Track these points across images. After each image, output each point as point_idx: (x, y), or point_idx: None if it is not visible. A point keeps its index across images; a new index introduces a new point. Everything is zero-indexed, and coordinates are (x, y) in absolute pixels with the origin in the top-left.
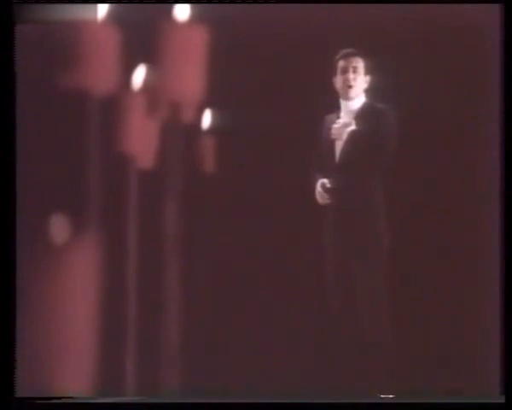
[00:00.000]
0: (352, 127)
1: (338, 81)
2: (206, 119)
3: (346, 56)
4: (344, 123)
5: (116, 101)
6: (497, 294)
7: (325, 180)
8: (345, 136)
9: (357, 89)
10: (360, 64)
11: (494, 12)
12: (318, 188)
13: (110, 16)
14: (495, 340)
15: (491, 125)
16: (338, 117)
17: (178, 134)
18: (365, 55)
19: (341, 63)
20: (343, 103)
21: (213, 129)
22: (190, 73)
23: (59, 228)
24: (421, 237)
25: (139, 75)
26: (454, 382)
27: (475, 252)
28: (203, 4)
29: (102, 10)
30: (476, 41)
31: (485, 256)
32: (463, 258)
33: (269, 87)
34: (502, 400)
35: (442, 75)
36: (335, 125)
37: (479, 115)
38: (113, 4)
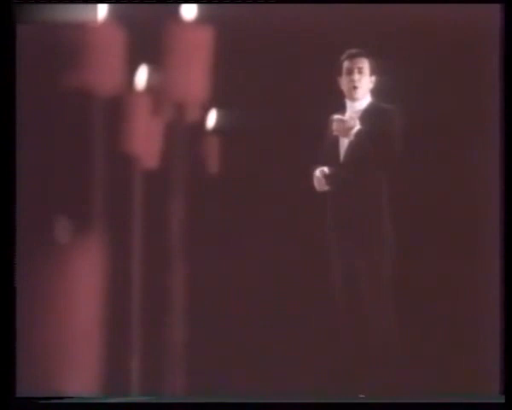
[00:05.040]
0: (358, 128)
1: (343, 82)
2: (211, 119)
3: (351, 57)
4: (349, 123)
5: (117, 101)
6: (497, 294)
7: (324, 168)
8: (350, 136)
9: (362, 89)
10: (365, 65)
11: (494, 12)
12: (317, 173)
13: (110, 16)
14: (495, 340)
15: (493, 125)
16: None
17: (182, 134)
18: (370, 55)
19: (346, 64)
20: (348, 104)
21: (218, 129)
22: (193, 74)
23: (60, 228)
24: (424, 237)
25: (140, 75)
26: (454, 382)
27: (476, 252)
28: (206, 4)
29: (103, 10)
30: (479, 41)
31: (485, 256)
32: (464, 258)
33: (274, 88)
34: (502, 400)
35: (444, 75)
36: (341, 126)
37: (480, 115)
38: (114, 4)
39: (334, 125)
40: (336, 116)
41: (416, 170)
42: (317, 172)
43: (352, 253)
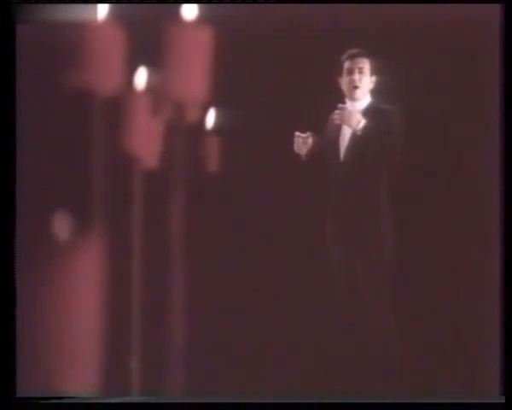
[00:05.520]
0: (360, 118)
1: (343, 82)
2: (211, 119)
3: (352, 57)
4: (353, 112)
5: (117, 101)
6: (497, 294)
7: (308, 133)
8: (350, 136)
9: (362, 89)
10: (366, 65)
11: (494, 12)
12: (298, 134)
13: (110, 16)
14: (495, 340)
15: (493, 125)
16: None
17: (182, 134)
18: (371, 55)
19: (347, 64)
20: (349, 104)
21: (218, 129)
22: (193, 74)
23: (60, 228)
24: (423, 237)
25: (140, 75)
26: (454, 382)
27: (476, 252)
28: (206, 4)
29: (103, 10)
30: (479, 41)
31: (485, 256)
32: (464, 258)
33: (274, 87)
34: (502, 400)
35: (445, 75)
36: (341, 126)
37: (480, 115)
38: (114, 4)
39: (337, 114)
40: (340, 105)
41: (416, 170)
42: (296, 134)
43: (351, 253)
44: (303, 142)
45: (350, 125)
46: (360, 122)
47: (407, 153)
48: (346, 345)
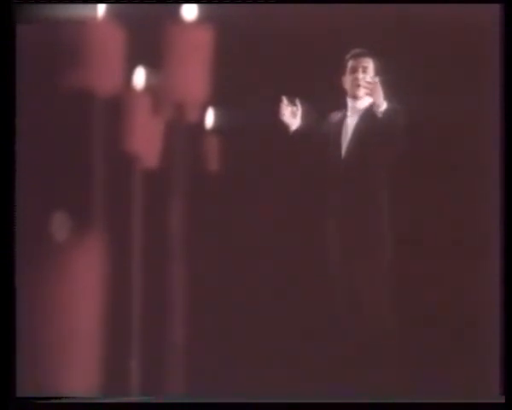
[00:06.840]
0: (359, 126)
1: (347, 80)
2: (211, 119)
3: (357, 56)
4: (351, 122)
5: (117, 101)
6: (497, 294)
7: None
8: (351, 135)
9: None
10: (370, 64)
11: (494, 12)
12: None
13: (111, 16)
14: (495, 340)
15: (493, 125)
16: (345, 116)
17: (182, 134)
18: (375, 55)
19: (351, 63)
20: (350, 102)
21: (218, 129)
22: (193, 74)
23: (60, 228)
24: (424, 237)
25: (141, 75)
26: (454, 382)
27: (476, 252)
28: (206, 4)
29: (103, 10)
30: (479, 41)
31: (485, 256)
32: (464, 258)
33: (274, 87)
34: (502, 400)
35: (445, 75)
36: (342, 124)
37: (481, 115)
38: (114, 4)
39: (336, 124)
40: (338, 114)
41: (417, 169)
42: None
43: (351, 253)
44: (291, 112)
45: (377, 101)
46: (384, 103)
47: (408, 152)
48: (346, 345)
